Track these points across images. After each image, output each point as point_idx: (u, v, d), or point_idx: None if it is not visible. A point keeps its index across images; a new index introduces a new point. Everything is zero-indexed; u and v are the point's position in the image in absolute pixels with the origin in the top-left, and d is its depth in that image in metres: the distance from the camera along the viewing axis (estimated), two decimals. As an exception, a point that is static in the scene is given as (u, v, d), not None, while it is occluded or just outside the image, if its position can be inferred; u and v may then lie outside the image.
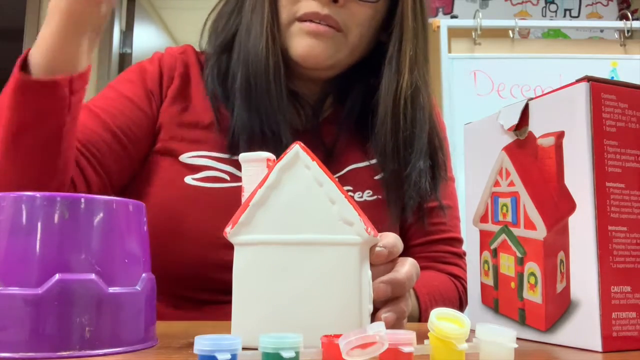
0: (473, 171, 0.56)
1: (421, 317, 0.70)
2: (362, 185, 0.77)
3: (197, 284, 0.70)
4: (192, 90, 0.78)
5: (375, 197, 0.77)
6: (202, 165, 0.72)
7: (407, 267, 0.47)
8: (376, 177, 0.77)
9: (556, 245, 0.46)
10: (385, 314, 0.44)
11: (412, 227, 0.81)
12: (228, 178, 0.72)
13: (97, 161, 0.70)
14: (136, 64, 0.81)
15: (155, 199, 0.71)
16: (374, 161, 0.77)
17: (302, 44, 0.71)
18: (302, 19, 0.71)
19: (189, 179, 0.71)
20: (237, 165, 0.69)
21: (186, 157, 0.73)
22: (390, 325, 0.44)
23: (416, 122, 0.75)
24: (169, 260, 0.68)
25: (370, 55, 0.77)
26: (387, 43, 0.75)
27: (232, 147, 0.72)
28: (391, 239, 0.45)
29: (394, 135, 0.74)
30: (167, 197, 0.71)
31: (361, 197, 0.76)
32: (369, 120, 0.77)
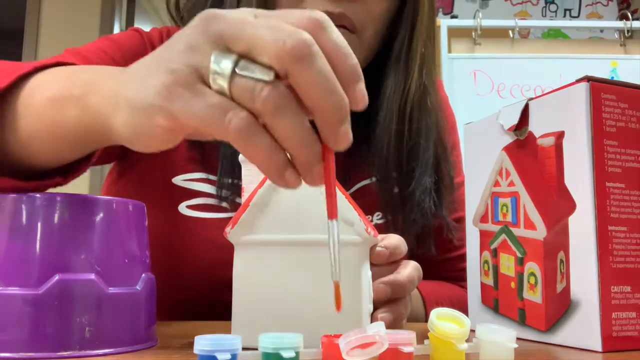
0: (473, 171, 0.56)
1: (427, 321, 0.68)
2: (371, 206, 0.67)
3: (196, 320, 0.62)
4: None
5: (384, 219, 0.68)
6: (197, 190, 0.64)
7: (409, 269, 0.47)
8: (375, 181, 0.67)
9: (556, 245, 0.46)
10: (382, 314, 0.44)
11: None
12: (228, 207, 0.63)
13: None
14: (130, 32, 0.68)
15: (149, 228, 0.64)
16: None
17: None
18: None
19: (183, 207, 0.63)
20: (235, 191, 0.62)
21: (180, 180, 0.64)
22: (387, 326, 0.43)
23: (422, 130, 0.65)
24: (166, 296, 0.56)
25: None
26: (393, 38, 0.65)
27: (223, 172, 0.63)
28: (394, 240, 0.45)
29: (398, 145, 0.64)
30: (160, 228, 0.62)
31: (370, 220, 0.68)
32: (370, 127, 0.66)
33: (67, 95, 0.41)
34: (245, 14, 0.32)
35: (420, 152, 0.65)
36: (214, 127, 0.31)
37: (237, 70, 0.30)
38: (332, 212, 0.33)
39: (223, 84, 0.30)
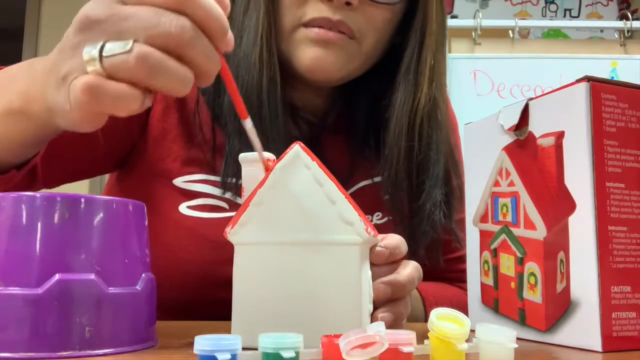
0: (473, 171, 0.56)
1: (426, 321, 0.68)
2: (371, 207, 0.68)
3: (194, 319, 0.61)
4: (189, 94, 0.66)
5: (385, 219, 0.69)
6: (198, 191, 0.64)
7: (409, 269, 0.47)
8: (386, 197, 0.68)
9: (556, 245, 0.46)
10: (382, 313, 0.44)
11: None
12: (227, 207, 0.64)
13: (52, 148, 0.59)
14: None
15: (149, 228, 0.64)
16: (378, 178, 0.69)
17: (308, 54, 0.61)
18: (309, 24, 0.61)
19: (183, 208, 0.64)
20: (237, 191, 0.63)
21: (180, 182, 0.65)
22: (387, 326, 0.43)
23: (432, 143, 0.65)
24: (164, 295, 0.54)
25: (381, 60, 0.68)
26: (403, 48, 0.66)
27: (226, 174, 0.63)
28: (394, 240, 0.45)
29: (407, 158, 0.65)
30: (160, 228, 0.63)
31: (370, 220, 0.66)
32: (375, 130, 0.68)
33: (8, 110, 0.46)
34: (112, 6, 0.35)
35: (430, 165, 0.65)
36: (117, 108, 0.36)
37: (103, 53, 0.34)
38: (242, 113, 0.40)
39: (95, 68, 0.35)
